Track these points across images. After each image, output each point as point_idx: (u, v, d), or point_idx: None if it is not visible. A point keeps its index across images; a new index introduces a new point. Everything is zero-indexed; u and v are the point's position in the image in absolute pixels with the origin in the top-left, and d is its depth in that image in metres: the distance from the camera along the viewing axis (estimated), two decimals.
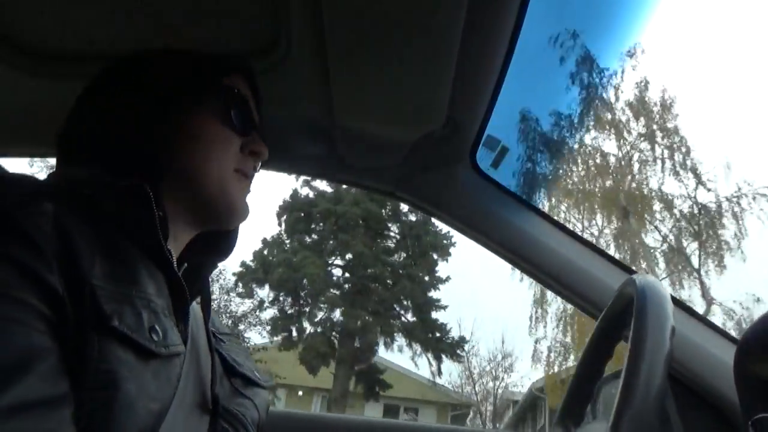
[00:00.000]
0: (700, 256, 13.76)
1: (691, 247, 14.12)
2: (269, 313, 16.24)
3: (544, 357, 14.79)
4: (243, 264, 16.28)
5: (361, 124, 1.11)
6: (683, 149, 14.09)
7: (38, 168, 9.01)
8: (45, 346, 0.56)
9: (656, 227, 14.36)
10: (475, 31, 0.87)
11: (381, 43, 0.89)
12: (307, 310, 16.26)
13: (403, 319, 16.50)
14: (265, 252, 16.59)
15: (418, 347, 16.56)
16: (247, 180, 0.88)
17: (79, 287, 0.61)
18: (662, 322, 0.65)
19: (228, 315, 14.85)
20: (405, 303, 16.41)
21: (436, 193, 1.28)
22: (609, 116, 13.39)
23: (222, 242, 0.92)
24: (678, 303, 1.10)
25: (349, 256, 16.26)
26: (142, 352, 0.64)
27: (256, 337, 15.85)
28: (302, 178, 15.12)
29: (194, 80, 0.85)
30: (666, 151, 14.11)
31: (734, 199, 13.86)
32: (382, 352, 16.55)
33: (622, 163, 14.10)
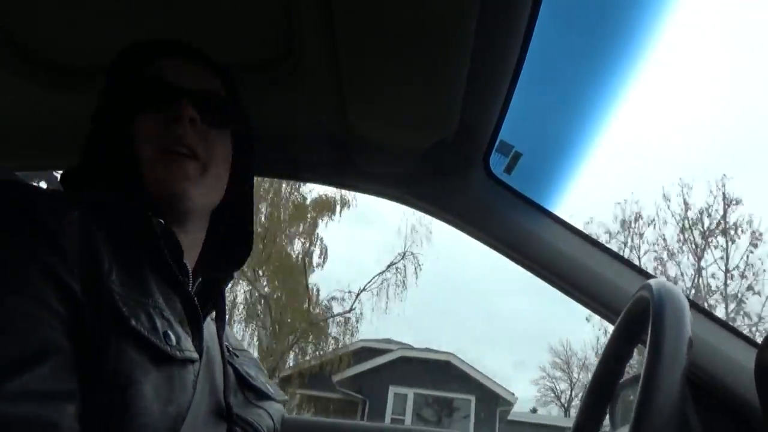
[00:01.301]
0: None
1: None
2: None
3: None
4: None
5: (373, 131, 1.11)
6: None
7: None
8: (58, 344, 0.58)
9: None
10: (487, 38, 0.88)
11: (393, 50, 0.90)
12: None
13: None
14: None
15: None
16: (173, 152, 0.78)
17: (98, 290, 0.63)
18: (680, 333, 0.64)
19: None
20: None
21: (449, 198, 1.28)
22: None
23: (233, 252, 0.91)
24: (695, 306, 1.08)
25: None
26: (157, 354, 0.65)
27: None
28: None
29: (119, 79, 0.84)
30: None
31: None
32: None
33: None
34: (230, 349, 0.94)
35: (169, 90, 0.81)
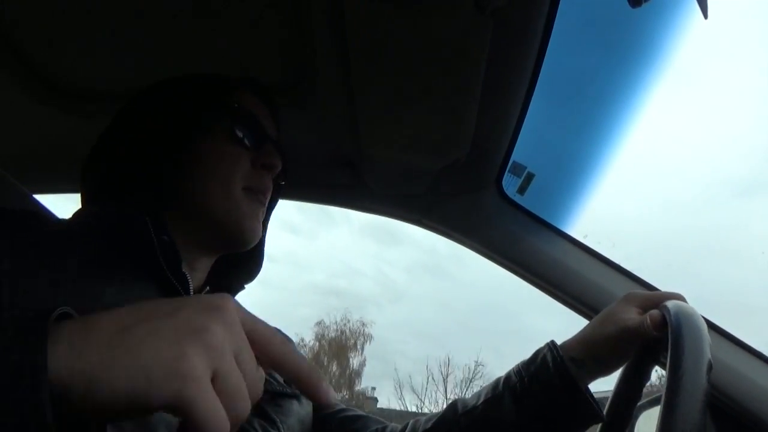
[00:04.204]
0: None
1: None
2: None
3: None
4: None
5: (387, 154, 1.12)
6: None
7: None
8: None
9: None
10: (499, 60, 0.88)
11: (406, 73, 0.91)
12: None
13: None
14: None
15: None
16: (258, 198, 0.85)
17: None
18: (699, 356, 0.63)
19: None
20: None
21: (463, 219, 1.28)
22: None
23: (246, 263, 0.93)
24: (714, 327, 1.07)
25: None
26: None
27: None
28: None
29: (194, 103, 0.85)
30: None
31: None
32: None
33: None
34: None
35: (261, 130, 0.86)
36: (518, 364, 0.92)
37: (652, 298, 0.83)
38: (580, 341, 0.87)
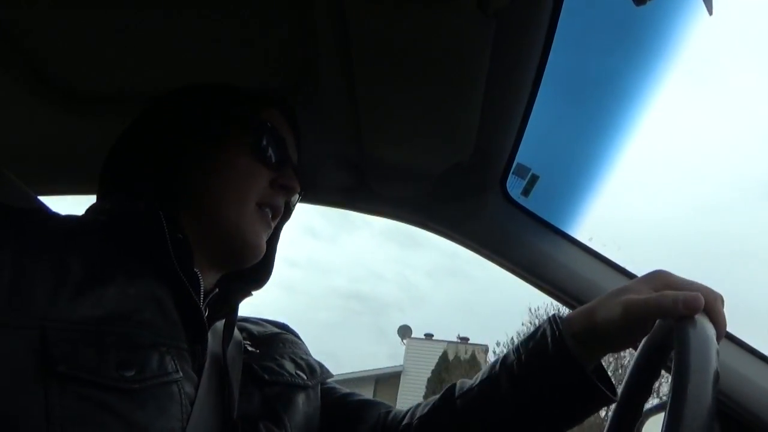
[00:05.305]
0: None
1: None
2: None
3: None
4: None
5: (390, 156, 1.12)
6: None
7: None
8: None
9: None
10: (502, 62, 0.88)
11: (408, 76, 0.90)
12: None
13: None
14: None
15: None
16: (267, 216, 0.87)
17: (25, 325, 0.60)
18: (705, 363, 0.60)
19: None
20: None
21: (466, 222, 1.27)
22: None
23: (255, 272, 0.92)
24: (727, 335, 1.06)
25: None
26: (107, 390, 0.62)
27: None
28: None
29: (224, 113, 0.87)
30: None
31: None
32: None
33: None
34: (249, 347, 0.91)
35: (285, 152, 0.89)
36: (518, 341, 0.85)
37: (671, 284, 0.73)
38: (584, 314, 0.78)
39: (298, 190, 0.91)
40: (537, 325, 0.84)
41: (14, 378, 0.58)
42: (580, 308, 0.81)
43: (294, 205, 0.97)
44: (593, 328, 0.76)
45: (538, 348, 0.79)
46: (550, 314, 0.82)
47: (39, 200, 1.06)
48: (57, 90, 1.10)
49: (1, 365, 0.58)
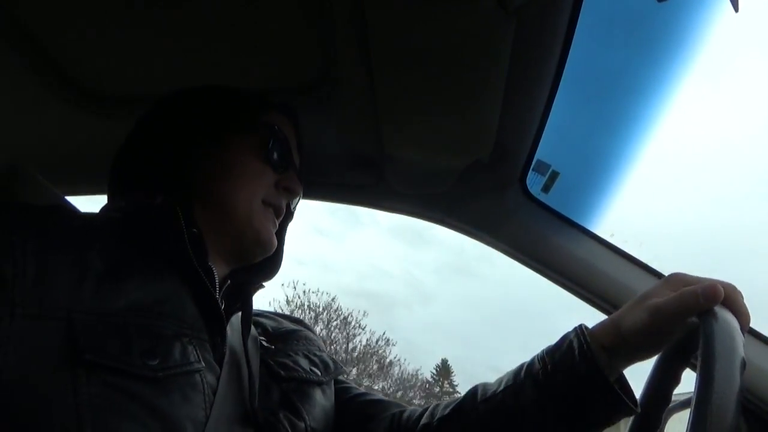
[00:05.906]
0: None
1: None
2: None
3: None
4: None
5: (409, 154, 1.12)
6: None
7: None
8: None
9: None
10: (522, 59, 0.87)
11: (428, 73, 0.91)
12: None
13: None
14: None
15: None
16: (273, 213, 0.91)
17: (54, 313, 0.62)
18: (731, 357, 0.60)
19: None
20: None
21: (486, 218, 1.27)
22: None
23: (265, 263, 0.95)
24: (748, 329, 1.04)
25: None
26: (132, 377, 0.63)
27: None
28: None
29: (235, 114, 0.90)
30: None
31: None
32: None
33: None
34: (264, 343, 0.93)
35: (289, 157, 0.93)
36: (543, 350, 0.85)
37: (688, 282, 0.74)
38: (610, 326, 0.79)
39: (300, 193, 0.95)
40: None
41: (44, 367, 0.60)
42: (603, 321, 0.81)
43: (294, 208, 1.00)
44: (622, 338, 0.77)
45: (564, 360, 0.80)
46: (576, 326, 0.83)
47: (66, 200, 1.08)
48: (82, 92, 1.12)
49: (32, 355, 0.59)
